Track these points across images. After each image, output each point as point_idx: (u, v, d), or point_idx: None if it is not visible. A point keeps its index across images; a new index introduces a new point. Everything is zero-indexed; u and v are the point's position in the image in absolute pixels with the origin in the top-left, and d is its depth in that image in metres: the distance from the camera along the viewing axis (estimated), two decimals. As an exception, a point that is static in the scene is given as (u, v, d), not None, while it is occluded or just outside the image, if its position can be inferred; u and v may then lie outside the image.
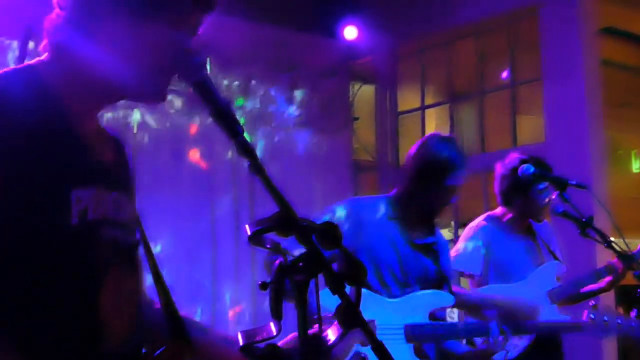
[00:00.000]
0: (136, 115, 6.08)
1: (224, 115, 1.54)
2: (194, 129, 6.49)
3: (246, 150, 1.53)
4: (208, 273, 6.41)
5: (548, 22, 6.52)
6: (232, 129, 1.53)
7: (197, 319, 5.86)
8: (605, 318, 3.86)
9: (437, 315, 3.48)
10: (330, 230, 1.51)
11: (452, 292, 3.54)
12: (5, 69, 1.58)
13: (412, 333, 3.35)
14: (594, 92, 6.34)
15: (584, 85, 6.27)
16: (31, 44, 5.45)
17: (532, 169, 3.90)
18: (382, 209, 3.48)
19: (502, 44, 7.18)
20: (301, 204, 5.08)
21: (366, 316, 3.34)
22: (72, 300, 1.52)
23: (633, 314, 3.80)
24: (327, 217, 3.34)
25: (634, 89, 9.83)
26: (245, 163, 1.54)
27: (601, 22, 6.82)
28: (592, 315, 3.85)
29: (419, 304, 3.41)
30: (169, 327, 1.77)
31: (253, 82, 6.93)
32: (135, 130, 6.09)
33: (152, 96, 1.66)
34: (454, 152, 3.46)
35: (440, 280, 3.53)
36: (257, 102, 6.95)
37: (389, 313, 3.32)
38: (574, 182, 3.45)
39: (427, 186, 3.43)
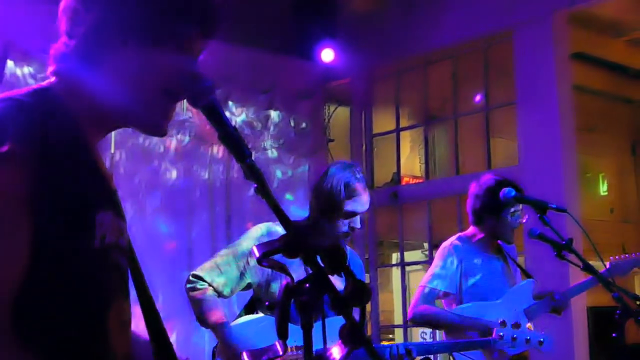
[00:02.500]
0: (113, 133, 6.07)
1: (232, 139, 1.57)
2: (171, 147, 6.49)
3: (253, 173, 1.56)
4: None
5: (522, 47, 6.63)
6: (240, 153, 1.56)
7: (174, 338, 5.85)
8: (515, 335, 3.94)
9: None
10: (335, 252, 1.55)
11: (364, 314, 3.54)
12: (17, 90, 1.58)
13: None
14: (566, 116, 6.44)
15: (557, 109, 6.37)
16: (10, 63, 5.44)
17: (513, 193, 3.96)
18: None
19: (477, 68, 7.26)
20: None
21: (290, 341, 3.38)
22: (87, 321, 1.52)
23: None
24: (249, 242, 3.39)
25: (601, 114, 10.00)
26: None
27: (572, 48, 6.94)
28: (501, 333, 3.92)
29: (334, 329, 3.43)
30: (158, 354, 1.79)
31: (230, 103, 6.95)
32: (112, 150, 6.08)
33: (151, 127, 1.67)
34: (351, 179, 3.43)
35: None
36: (234, 123, 6.96)
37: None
38: (553, 206, 3.51)
39: (329, 215, 3.42)
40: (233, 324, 3.40)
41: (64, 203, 1.46)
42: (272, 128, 7.29)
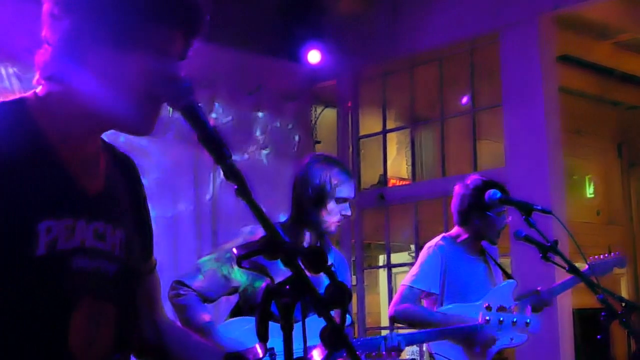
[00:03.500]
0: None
1: (211, 140, 1.57)
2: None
3: (234, 174, 1.56)
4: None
5: (508, 49, 6.64)
6: (220, 154, 1.56)
7: None
8: (501, 317, 3.95)
9: None
10: (315, 254, 1.55)
11: (348, 312, 3.57)
12: None
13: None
14: (552, 118, 6.46)
15: (543, 112, 6.38)
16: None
17: (498, 194, 3.97)
18: None
19: (463, 70, 7.28)
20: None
21: (269, 343, 3.38)
22: (39, 330, 1.53)
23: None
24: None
25: (588, 116, 10.05)
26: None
27: (559, 50, 6.96)
28: (487, 317, 3.93)
29: (317, 329, 3.45)
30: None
31: (216, 104, 6.93)
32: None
33: (140, 126, 1.66)
34: (333, 167, 3.49)
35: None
36: (221, 125, 6.95)
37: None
38: (538, 207, 3.52)
39: (320, 207, 3.46)
40: (220, 325, 3.40)
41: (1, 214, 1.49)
42: (258, 129, 7.28)
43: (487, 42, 6.92)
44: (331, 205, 3.45)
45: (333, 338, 1.52)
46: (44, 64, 1.61)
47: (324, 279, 3.46)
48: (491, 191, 3.99)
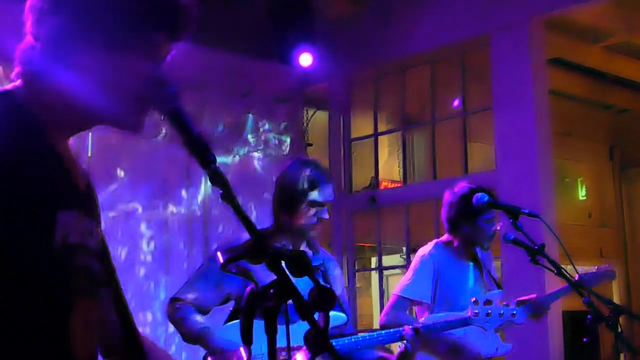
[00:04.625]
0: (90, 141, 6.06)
1: (196, 145, 1.58)
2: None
3: (218, 179, 1.57)
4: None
5: (499, 52, 6.66)
6: (205, 158, 1.57)
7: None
8: (488, 310, 3.97)
9: (333, 334, 3.54)
10: (299, 258, 1.56)
11: (344, 311, 3.59)
12: None
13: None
14: (543, 121, 6.48)
15: (533, 114, 6.40)
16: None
17: (486, 198, 3.98)
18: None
19: (454, 73, 7.29)
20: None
21: (264, 344, 3.41)
22: (42, 322, 1.51)
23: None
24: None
25: (579, 119, 10.08)
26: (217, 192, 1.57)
27: (548, 53, 6.98)
28: (475, 310, 3.95)
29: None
30: (126, 343, 1.81)
31: (207, 107, 6.93)
32: (89, 154, 6.06)
33: (128, 125, 1.67)
34: (308, 170, 3.48)
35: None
36: (212, 127, 6.96)
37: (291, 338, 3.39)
38: (526, 211, 3.53)
39: (292, 211, 3.45)
40: (219, 328, 3.41)
41: (18, 204, 1.46)
42: (249, 132, 7.28)
43: (478, 45, 6.93)
44: (303, 208, 3.45)
45: (316, 341, 1.53)
46: (28, 58, 1.61)
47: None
48: (479, 194, 3.99)
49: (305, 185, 3.43)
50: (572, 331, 7.03)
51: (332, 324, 3.48)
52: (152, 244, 6.41)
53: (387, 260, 8.69)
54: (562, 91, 9.19)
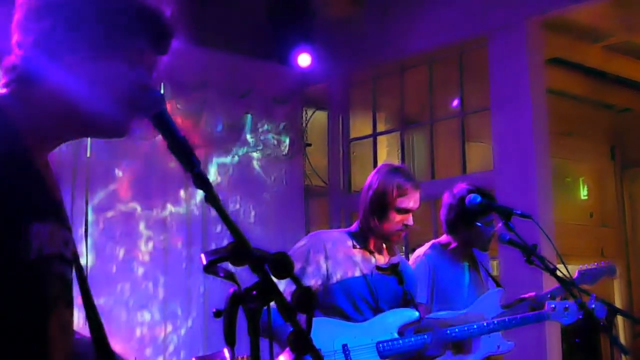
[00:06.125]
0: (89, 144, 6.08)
1: (180, 148, 1.59)
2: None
3: (202, 182, 1.58)
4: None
5: (496, 53, 6.66)
6: (189, 162, 1.58)
7: None
8: (566, 305, 3.98)
9: (405, 332, 3.60)
10: (282, 260, 1.57)
11: (416, 309, 3.67)
12: None
13: (384, 349, 3.51)
14: (540, 121, 6.48)
15: (531, 114, 6.40)
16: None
17: (478, 199, 3.98)
18: (347, 241, 3.65)
19: (452, 73, 7.30)
20: (253, 229, 5.19)
21: (339, 341, 3.44)
22: (21, 333, 1.53)
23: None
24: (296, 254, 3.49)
25: (581, 119, 10.07)
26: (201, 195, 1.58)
27: (548, 53, 6.99)
28: (552, 305, 3.96)
29: (387, 323, 3.56)
30: (97, 350, 1.80)
31: (206, 107, 6.95)
32: (88, 154, 6.08)
33: (112, 131, 1.69)
34: (400, 177, 3.61)
35: (405, 298, 3.67)
36: (211, 128, 6.98)
37: (360, 335, 3.47)
38: (518, 212, 3.55)
39: (380, 214, 3.58)
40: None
41: None
42: (249, 132, 7.30)
43: (476, 46, 6.94)
44: (392, 215, 3.57)
45: (299, 343, 1.54)
46: (13, 66, 1.63)
47: (395, 284, 3.56)
48: (471, 196, 4.00)
49: (395, 192, 3.56)
50: (568, 332, 7.03)
51: (404, 321, 3.57)
52: (150, 244, 6.43)
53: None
54: (563, 91, 9.19)
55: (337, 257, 3.56)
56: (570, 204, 10.19)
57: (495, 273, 5.82)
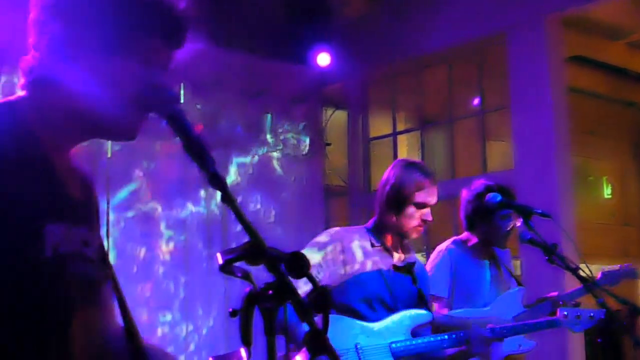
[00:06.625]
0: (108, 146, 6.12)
1: (195, 148, 1.58)
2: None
3: (217, 181, 1.57)
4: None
5: (516, 50, 6.62)
6: (204, 162, 1.57)
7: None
8: (578, 313, 3.96)
9: (418, 333, 3.57)
10: (297, 260, 1.56)
11: (430, 310, 3.64)
12: None
13: (397, 349, 3.46)
14: (561, 120, 6.44)
15: (551, 113, 6.36)
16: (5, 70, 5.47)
17: (498, 197, 3.96)
18: (365, 238, 3.59)
19: (472, 71, 7.27)
20: (273, 229, 5.19)
21: (352, 340, 3.39)
22: (42, 333, 1.54)
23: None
24: (314, 248, 3.45)
25: (603, 117, 9.99)
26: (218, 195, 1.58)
27: (569, 51, 6.94)
28: (565, 312, 3.94)
29: (401, 324, 3.52)
30: (131, 349, 1.81)
31: (225, 107, 6.97)
32: (109, 154, 6.11)
33: (125, 131, 1.69)
34: (418, 172, 3.56)
35: (420, 299, 3.63)
36: (229, 128, 7.00)
37: (374, 334, 3.43)
38: (539, 211, 3.53)
39: (398, 209, 3.52)
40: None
41: (4, 216, 1.49)
42: (268, 132, 7.31)
43: (494, 44, 6.90)
44: (410, 209, 3.51)
45: (315, 343, 1.53)
46: (30, 68, 1.64)
47: (410, 284, 3.53)
48: (491, 194, 3.99)
49: (413, 187, 3.50)
50: (594, 331, 6.98)
51: (417, 322, 3.54)
52: (171, 244, 6.46)
53: (408, 259, 8.63)
54: (585, 89, 9.12)
55: (354, 255, 3.52)
56: (593, 203, 10.13)
57: (517, 273, 5.78)
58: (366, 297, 3.47)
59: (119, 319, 1.84)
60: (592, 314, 3.97)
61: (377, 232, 3.62)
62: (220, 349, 6.37)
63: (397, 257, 3.63)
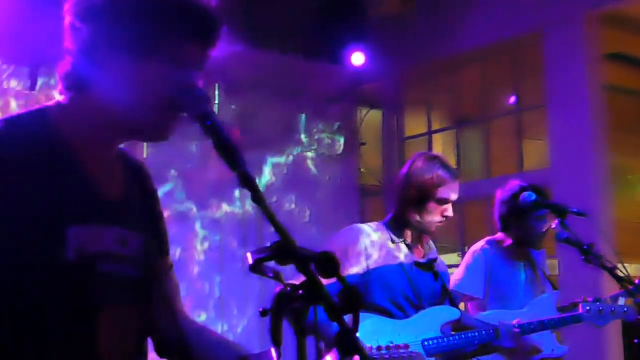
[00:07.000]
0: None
1: (225, 148, 1.59)
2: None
3: (247, 181, 1.57)
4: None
5: (553, 48, 6.57)
6: (234, 161, 1.58)
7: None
8: (600, 307, 3.91)
9: (445, 330, 3.54)
10: (328, 259, 1.56)
11: (456, 306, 3.60)
12: (20, 111, 1.68)
13: (430, 347, 3.42)
14: (597, 118, 6.38)
15: (588, 111, 6.30)
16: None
17: (533, 197, 3.93)
18: (385, 234, 3.51)
19: (507, 70, 7.22)
20: (308, 229, 5.19)
21: (384, 338, 3.33)
22: (67, 333, 1.57)
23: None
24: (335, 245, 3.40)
25: (640, 115, 9.86)
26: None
27: (606, 48, 6.86)
28: (587, 307, 3.90)
29: (431, 320, 3.48)
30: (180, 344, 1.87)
31: (260, 107, 6.99)
32: (144, 154, 6.16)
33: (155, 133, 1.71)
34: (439, 167, 3.47)
35: (443, 295, 3.60)
36: (264, 128, 7.01)
37: (404, 332, 3.39)
38: (574, 210, 3.49)
39: (419, 205, 3.44)
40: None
41: (26, 219, 1.53)
42: (303, 132, 7.32)
43: (531, 41, 6.84)
44: (431, 205, 3.43)
45: (346, 343, 1.52)
46: (65, 73, 1.67)
47: (432, 280, 3.48)
48: (525, 194, 3.95)
49: (436, 182, 3.42)
50: (630, 334, 6.88)
51: (447, 319, 3.50)
52: (205, 244, 6.50)
53: (446, 259, 8.60)
54: (622, 86, 9.00)
55: (376, 252, 3.43)
56: (632, 202, 10.00)
57: (554, 273, 5.73)
58: (390, 295, 3.41)
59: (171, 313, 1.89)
60: (613, 309, 3.92)
61: (397, 227, 3.52)
62: (255, 349, 6.37)
63: (419, 253, 3.56)
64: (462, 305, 4.34)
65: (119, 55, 1.61)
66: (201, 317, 6.34)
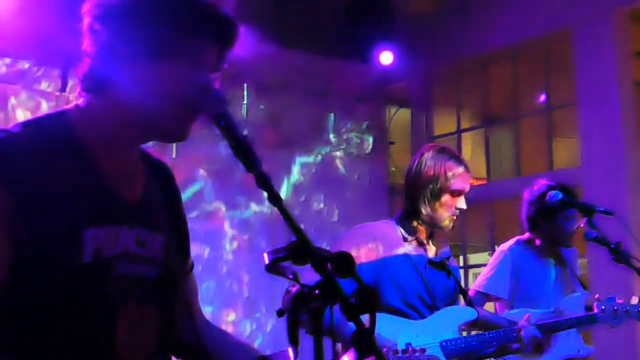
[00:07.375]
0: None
1: (242, 149, 1.59)
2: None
3: (264, 182, 1.58)
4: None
5: (582, 45, 6.52)
6: (250, 162, 1.58)
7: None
8: (615, 307, 3.87)
9: (463, 330, 3.50)
10: (344, 259, 1.56)
11: (472, 306, 3.55)
12: (39, 115, 1.70)
13: (449, 347, 3.36)
14: (629, 115, 6.31)
15: (619, 108, 6.24)
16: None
17: (560, 196, 3.90)
18: (397, 232, 3.43)
19: (537, 68, 7.17)
20: (336, 228, 5.16)
21: (402, 339, 3.27)
22: (86, 335, 1.58)
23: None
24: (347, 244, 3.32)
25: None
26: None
27: (638, 46, 6.79)
28: (602, 307, 3.86)
29: (448, 321, 3.43)
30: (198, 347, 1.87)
31: (289, 107, 7.00)
32: (173, 155, 6.19)
33: (175, 133, 1.71)
34: (451, 159, 3.39)
35: (456, 294, 3.55)
36: (293, 128, 7.03)
37: (422, 333, 3.34)
38: (601, 209, 3.45)
39: (432, 198, 3.35)
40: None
41: (43, 221, 1.54)
42: (331, 131, 7.32)
43: (561, 39, 6.79)
44: (445, 198, 3.35)
45: (363, 343, 1.52)
46: (84, 76, 1.68)
47: (446, 278, 3.45)
48: (552, 193, 3.92)
49: (449, 174, 3.34)
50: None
51: (465, 319, 3.47)
52: (234, 243, 6.52)
53: (474, 258, 8.58)
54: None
55: (388, 252, 3.34)
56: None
57: (583, 272, 5.68)
58: (404, 296, 3.33)
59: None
60: (627, 308, 3.89)
61: (408, 224, 3.42)
62: (283, 348, 6.39)
63: (432, 250, 3.48)
64: (489, 306, 4.32)
65: (137, 58, 1.62)
66: (230, 317, 6.37)
